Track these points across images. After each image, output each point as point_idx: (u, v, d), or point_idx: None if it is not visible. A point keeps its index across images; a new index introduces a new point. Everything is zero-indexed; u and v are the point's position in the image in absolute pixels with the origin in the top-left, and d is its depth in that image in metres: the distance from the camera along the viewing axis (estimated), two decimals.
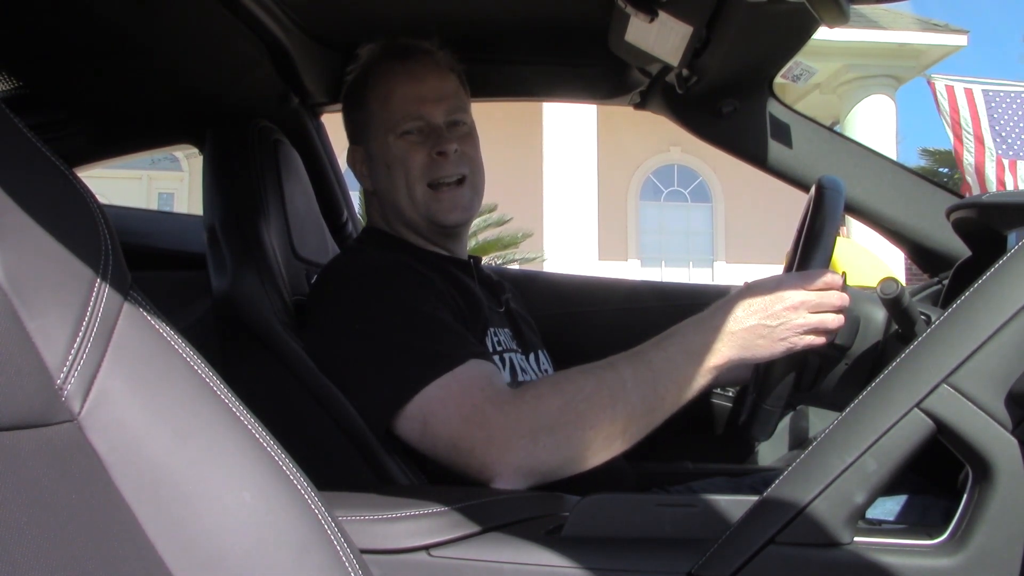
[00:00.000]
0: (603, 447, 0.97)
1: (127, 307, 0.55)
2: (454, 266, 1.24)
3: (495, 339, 1.17)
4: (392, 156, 1.19)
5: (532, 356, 1.25)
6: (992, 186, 7.51)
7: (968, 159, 7.70)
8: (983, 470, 0.72)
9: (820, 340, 0.97)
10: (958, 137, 7.72)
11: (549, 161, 9.29)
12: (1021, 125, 7.64)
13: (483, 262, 1.38)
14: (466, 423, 0.97)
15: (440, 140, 1.18)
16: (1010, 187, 7.45)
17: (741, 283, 1.04)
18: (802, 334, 0.96)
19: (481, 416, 0.96)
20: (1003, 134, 7.64)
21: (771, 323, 0.96)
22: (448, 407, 0.98)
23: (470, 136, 1.24)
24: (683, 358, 0.97)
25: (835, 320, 0.97)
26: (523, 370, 1.19)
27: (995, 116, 7.64)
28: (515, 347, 1.22)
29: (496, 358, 1.12)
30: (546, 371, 1.27)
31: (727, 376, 1.11)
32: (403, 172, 1.19)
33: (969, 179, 7.71)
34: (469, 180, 1.22)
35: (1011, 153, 7.65)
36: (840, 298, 0.97)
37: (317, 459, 0.81)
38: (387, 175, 1.20)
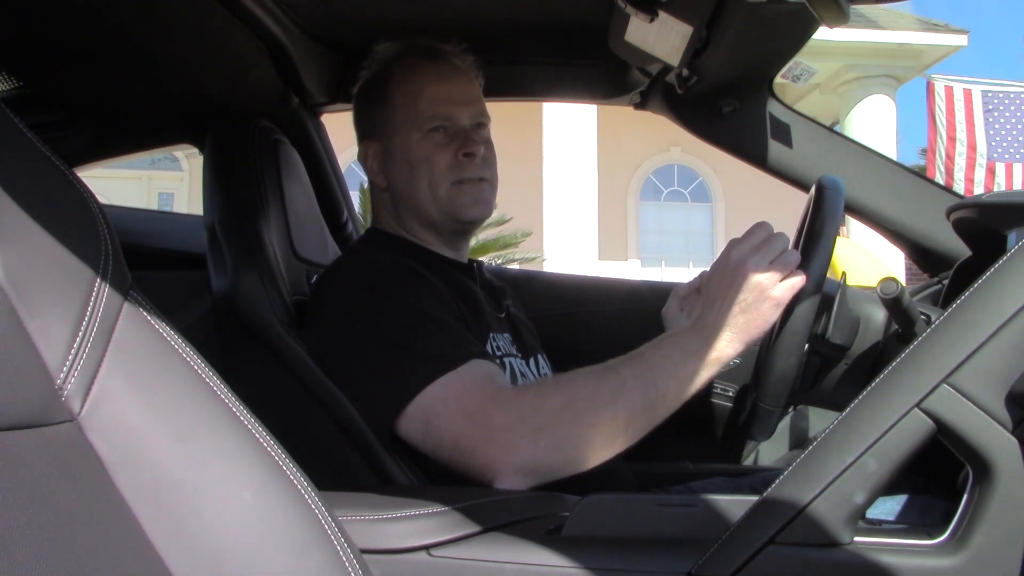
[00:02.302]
0: (605, 445, 0.97)
1: (127, 307, 0.55)
2: (457, 269, 1.24)
3: (495, 343, 1.17)
4: (416, 155, 1.20)
5: (532, 361, 1.26)
6: (980, 188, 7.52)
7: (960, 162, 7.69)
8: (983, 470, 0.72)
9: (797, 280, 0.97)
10: (951, 139, 7.70)
11: (549, 161, 9.28)
12: (1019, 127, 7.63)
13: (483, 262, 1.38)
14: (468, 422, 0.97)
15: (468, 141, 1.20)
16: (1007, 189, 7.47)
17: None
18: (777, 285, 0.96)
19: (483, 415, 0.96)
20: (998, 138, 7.63)
21: (745, 297, 0.96)
22: (450, 407, 0.98)
23: (490, 143, 1.26)
24: (680, 355, 0.98)
25: (791, 255, 0.97)
26: (522, 374, 1.19)
27: (990, 120, 7.62)
28: (515, 352, 1.22)
29: (496, 362, 1.12)
30: (545, 375, 1.27)
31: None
32: (427, 171, 1.19)
33: (939, 179, 7.71)
34: (488, 181, 1.24)
35: (1007, 156, 7.64)
36: (780, 238, 0.99)
37: (317, 459, 0.81)
38: (408, 173, 1.20)
